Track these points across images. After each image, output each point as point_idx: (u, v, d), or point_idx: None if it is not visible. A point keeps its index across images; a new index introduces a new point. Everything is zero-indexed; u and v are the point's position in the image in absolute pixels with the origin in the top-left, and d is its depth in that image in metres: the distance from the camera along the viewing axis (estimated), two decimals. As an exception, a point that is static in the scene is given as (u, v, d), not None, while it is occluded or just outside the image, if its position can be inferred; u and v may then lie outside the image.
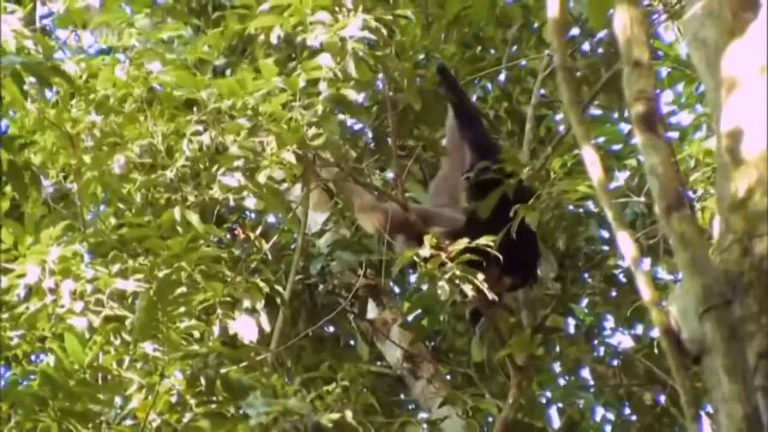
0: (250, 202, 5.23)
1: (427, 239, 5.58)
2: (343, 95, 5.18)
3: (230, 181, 5.08)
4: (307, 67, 5.18)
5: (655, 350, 6.61)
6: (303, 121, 5.10)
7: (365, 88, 5.46)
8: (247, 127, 5.09)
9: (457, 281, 5.57)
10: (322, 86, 5.17)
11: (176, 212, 5.02)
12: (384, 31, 5.26)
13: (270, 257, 6.25)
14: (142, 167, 5.15)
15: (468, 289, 5.59)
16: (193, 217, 5.06)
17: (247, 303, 5.19)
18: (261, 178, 5.07)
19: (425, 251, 5.55)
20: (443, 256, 5.55)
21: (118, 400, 4.73)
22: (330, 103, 5.14)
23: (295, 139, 5.09)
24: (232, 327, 5.10)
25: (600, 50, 6.95)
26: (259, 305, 5.24)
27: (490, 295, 5.69)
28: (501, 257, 5.66)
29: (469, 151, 6.36)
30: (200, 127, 5.10)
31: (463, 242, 5.55)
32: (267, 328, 5.33)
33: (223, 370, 4.67)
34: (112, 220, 5.41)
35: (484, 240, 5.57)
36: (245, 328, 5.14)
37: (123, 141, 5.13)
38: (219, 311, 5.07)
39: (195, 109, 5.15)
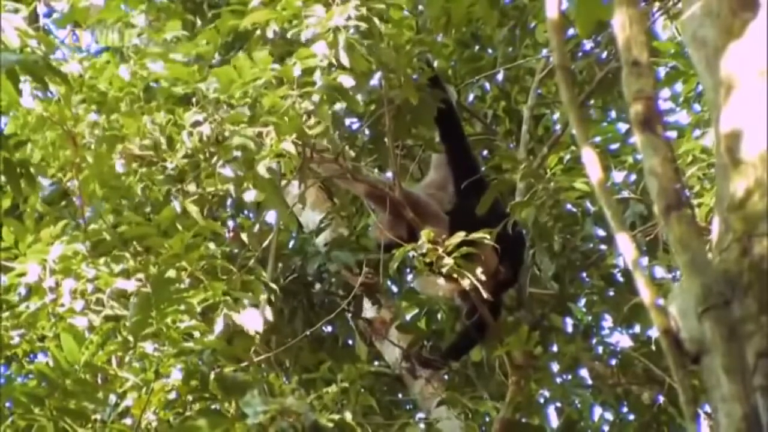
0: (249, 195, 5.21)
1: (424, 234, 5.59)
2: (338, 83, 5.15)
3: (229, 172, 5.07)
4: (302, 55, 5.16)
5: (653, 348, 6.61)
6: (300, 111, 5.09)
7: (361, 79, 5.43)
8: (246, 117, 5.07)
9: (455, 275, 5.59)
10: (317, 76, 5.15)
11: (177, 205, 5.01)
12: (376, 21, 5.24)
13: (261, 254, 6.24)
14: (142, 160, 5.14)
15: (466, 283, 5.59)
16: (193, 209, 5.05)
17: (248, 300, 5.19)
18: (260, 168, 5.06)
19: (422, 247, 5.56)
20: (440, 250, 5.56)
21: (114, 398, 4.73)
22: (326, 92, 5.12)
23: (294, 129, 5.07)
24: (237, 320, 5.08)
25: (598, 50, 6.96)
26: (262, 297, 5.24)
27: (484, 293, 5.70)
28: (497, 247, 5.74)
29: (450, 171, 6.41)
30: (200, 118, 5.09)
31: (459, 235, 5.56)
32: (271, 319, 5.33)
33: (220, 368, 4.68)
34: (111, 218, 5.40)
35: (480, 233, 5.60)
36: (251, 320, 5.13)
37: (122, 136, 5.12)
38: (222, 307, 5.05)
39: (194, 100, 5.14)
